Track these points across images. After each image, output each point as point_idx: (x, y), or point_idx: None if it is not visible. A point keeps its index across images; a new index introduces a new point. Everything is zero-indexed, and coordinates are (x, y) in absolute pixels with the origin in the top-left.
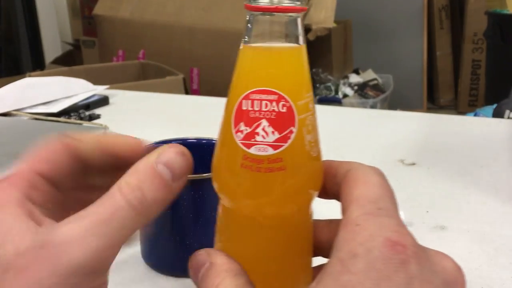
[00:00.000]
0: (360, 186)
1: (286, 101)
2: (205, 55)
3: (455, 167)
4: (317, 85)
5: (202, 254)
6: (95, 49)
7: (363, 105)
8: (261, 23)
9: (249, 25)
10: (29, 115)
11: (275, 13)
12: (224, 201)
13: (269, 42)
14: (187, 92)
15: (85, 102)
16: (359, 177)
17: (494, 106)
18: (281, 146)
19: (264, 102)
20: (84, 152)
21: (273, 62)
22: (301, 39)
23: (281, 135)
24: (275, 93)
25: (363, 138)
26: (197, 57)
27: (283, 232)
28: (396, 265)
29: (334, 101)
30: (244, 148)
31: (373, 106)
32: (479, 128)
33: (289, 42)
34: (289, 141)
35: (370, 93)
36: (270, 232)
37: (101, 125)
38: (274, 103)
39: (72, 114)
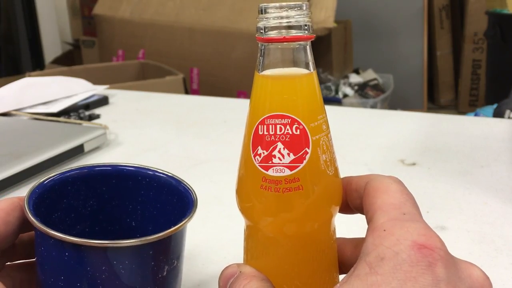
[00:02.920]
0: (381, 195)
1: (299, 124)
2: (205, 55)
3: (456, 167)
4: None
5: (232, 266)
6: (95, 49)
7: (363, 105)
8: (271, 52)
9: (260, 55)
10: (29, 115)
11: (284, 42)
12: (247, 221)
13: (281, 68)
14: (187, 92)
15: (85, 102)
16: (378, 187)
17: (495, 106)
18: (297, 166)
19: (278, 126)
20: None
21: (284, 89)
22: (311, 65)
23: (296, 156)
24: (288, 117)
25: (363, 138)
26: (197, 57)
27: (306, 248)
28: (423, 268)
29: (334, 101)
30: (263, 170)
31: (373, 106)
32: (480, 128)
33: (300, 67)
34: (305, 162)
35: (370, 93)
36: (293, 249)
37: (101, 125)
38: (288, 127)
39: (71, 114)
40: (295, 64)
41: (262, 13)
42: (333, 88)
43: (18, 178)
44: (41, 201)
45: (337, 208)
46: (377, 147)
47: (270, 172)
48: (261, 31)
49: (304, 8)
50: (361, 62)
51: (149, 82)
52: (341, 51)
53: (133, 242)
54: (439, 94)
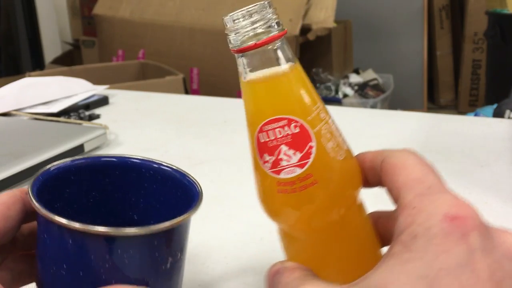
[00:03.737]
0: (401, 171)
1: (296, 121)
2: (205, 55)
3: (455, 167)
4: (317, 85)
5: (276, 264)
6: (95, 49)
7: (363, 105)
8: (249, 60)
9: (239, 65)
10: (29, 115)
11: (258, 48)
12: (278, 225)
13: (262, 70)
14: (187, 92)
15: (85, 102)
16: (396, 163)
17: (495, 106)
18: (306, 163)
19: (277, 130)
20: (29, 206)
21: (271, 91)
22: (291, 58)
23: (303, 153)
24: (283, 119)
25: (363, 138)
26: (197, 57)
27: (340, 235)
28: (456, 238)
29: (334, 101)
30: (275, 176)
31: (373, 106)
32: (480, 128)
33: (281, 64)
34: (312, 156)
35: (370, 93)
36: (328, 239)
37: (101, 125)
38: (286, 128)
39: (72, 114)
40: (275, 63)
41: (228, 25)
42: (333, 88)
43: (18, 178)
44: (44, 189)
45: (359, 189)
46: (376, 147)
47: (282, 176)
48: (232, 43)
49: (268, 6)
50: (361, 62)
51: (149, 82)
52: (341, 51)
53: (138, 230)
54: (439, 94)
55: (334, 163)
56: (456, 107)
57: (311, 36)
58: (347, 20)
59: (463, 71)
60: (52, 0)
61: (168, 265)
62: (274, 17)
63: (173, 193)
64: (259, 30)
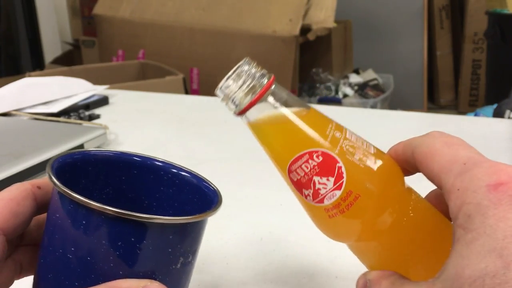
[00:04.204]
0: (434, 158)
1: (316, 151)
2: (205, 55)
3: None
4: (317, 85)
5: (360, 278)
6: (95, 49)
7: (363, 105)
8: (252, 115)
9: (245, 119)
10: (29, 115)
11: (256, 104)
12: (347, 243)
13: (267, 117)
14: (187, 92)
15: (85, 102)
16: (426, 152)
17: (495, 106)
18: (342, 183)
19: (303, 166)
20: (40, 201)
21: (282, 133)
22: (286, 97)
23: (335, 176)
24: (304, 154)
25: None
26: (197, 57)
27: (404, 231)
28: (508, 203)
29: (334, 101)
30: (320, 205)
31: (373, 106)
32: (479, 128)
33: (281, 106)
34: (344, 175)
35: (370, 93)
36: (395, 239)
37: (101, 125)
38: (310, 161)
39: (72, 114)
40: (276, 107)
41: (221, 96)
42: (333, 88)
43: (18, 178)
44: (61, 173)
45: (402, 182)
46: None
47: (326, 202)
48: (232, 109)
49: (248, 63)
50: (361, 62)
51: (149, 82)
52: (341, 51)
53: (156, 219)
54: (439, 94)
55: (367, 171)
56: (456, 107)
57: (311, 36)
58: (347, 20)
59: (463, 71)
60: (52, 0)
61: (179, 265)
62: (259, 69)
63: (189, 199)
64: (251, 87)
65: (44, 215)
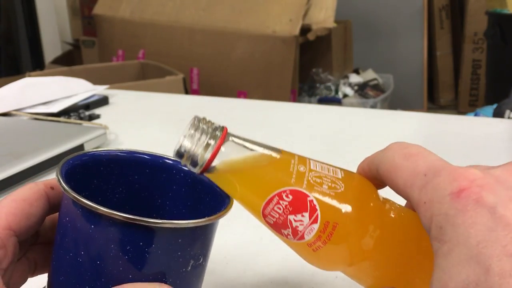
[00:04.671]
0: (396, 174)
1: (284, 191)
2: (205, 55)
3: None
4: (317, 85)
5: None
6: (95, 49)
7: (363, 105)
8: (213, 170)
9: (209, 171)
10: (29, 115)
11: (217, 154)
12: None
13: (229, 168)
14: (187, 92)
15: (85, 102)
16: (388, 169)
17: (494, 106)
18: (317, 215)
19: (276, 208)
20: (53, 201)
21: (247, 180)
22: (247, 144)
23: (309, 210)
24: (272, 197)
25: (363, 138)
26: (197, 57)
27: (394, 238)
28: (473, 208)
29: (334, 101)
30: (302, 241)
31: (373, 106)
32: (479, 128)
33: (241, 154)
34: (317, 207)
35: (370, 93)
36: (387, 250)
37: (101, 125)
38: (280, 201)
39: (72, 114)
40: (237, 155)
41: (181, 160)
42: (333, 88)
43: (18, 178)
44: (72, 175)
45: (377, 198)
46: (377, 147)
47: (307, 238)
48: (194, 169)
49: (197, 120)
50: (361, 62)
51: (149, 82)
52: (341, 51)
53: (164, 223)
54: (439, 94)
55: (339, 197)
56: (456, 107)
57: (311, 36)
58: (347, 20)
59: (463, 71)
60: (52, 0)
61: (189, 268)
62: (210, 124)
63: (201, 198)
64: (206, 144)
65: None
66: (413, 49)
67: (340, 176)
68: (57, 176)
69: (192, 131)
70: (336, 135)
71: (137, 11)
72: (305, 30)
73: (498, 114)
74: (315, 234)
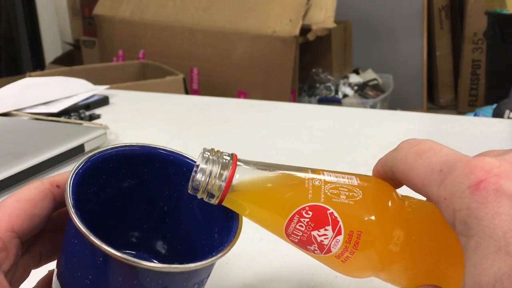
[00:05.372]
0: (412, 174)
1: (303, 208)
2: (205, 55)
3: None
4: (317, 85)
5: None
6: (95, 49)
7: (363, 105)
8: (230, 196)
9: (229, 206)
10: (29, 115)
11: (230, 187)
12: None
13: (246, 192)
14: (187, 92)
15: (85, 102)
16: (403, 170)
17: (494, 106)
18: (340, 227)
19: (298, 226)
20: (59, 200)
21: (264, 204)
22: (254, 169)
23: (331, 223)
24: (293, 215)
25: (363, 138)
26: (197, 57)
27: (423, 234)
28: (494, 199)
29: (334, 101)
30: (330, 254)
31: (373, 106)
32: (479, 128)
33: (255, 179)
34: (339, 218)
35: (370, 93)
36: (418, 247)
37: (101, 125)
38: (301, 219)
39: (72, 114)
40: (251, 179)
41: (198, 194)
42: (333, 88)
43: (19, 178)
44: (80, 182)
45: (397, 198)
46: (377, 147)
47: (334, 250)
48: (212, 201)
49: (207, 152)
50: (361, 62)
51: (149, 82)
52: (341, 51)
53: (172, 268)
54: (439, 94)
55: (358, 205)
56: (455, 107)
57: (311, 36)
58: (347, 20)
59: (462, 71)
60: (53, 1)
61: None
62: (219, 154)
63: None
64: (219, 174)
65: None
66: (413, 49)
67: (356, 183)
68: (67, 202)
69: (203, 165)
70: (336, 135)
71: (137, 11)
72: (305, 30)
73: (498, 114)
74: (341, 246)
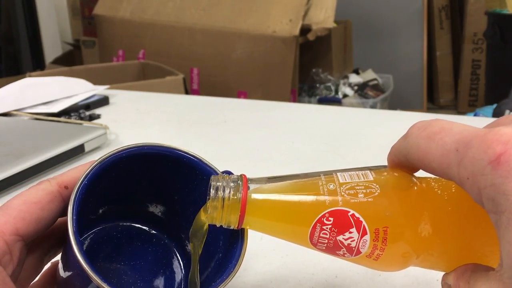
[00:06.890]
0: (428, 158)
1: (323, 215)
2: (205, 55)
3: None
4: (317, 85)
5: (443, 285)
6: (95, 49)
7: (363, 105)
8: (250, 219)
9: (248, 228)
10: (29, 115)
11: (245, 210)
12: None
13: (264, 205)
14: (187, 92)
15: (85, 102)
16: (418, 156)
17: (494, 106)
18: (364, 227)
19: (322, 234)
20: (67, 201)
21: (284, 219)
22: (266, 185)
23: (354, 225)
24: (315, 224)
25: (363, 138)
26: (197, 57)
27: (452, 214)
28: None
29: (334, 101)
30: (361, 255)
31: (373, 106)
32: None
33: (268, 196)
34: (361, 218)
35: (370, 93)
36: (447, 227)
37: (101, 125)
38: (324, 227)
39: (72, 114)
40: (264, 197)
41: (213, 220)
42: (333, 88)
43: (19, 178)
44: (89, 188)
45: (416, 183)
46: (377, 147)
47: (363, 250)
48: (230, 225)
49: (217, 179)
50: (361, 62)
51: (149, 82)
52: (341, 51)
53: None
54: (439, 94)
55: (378, 201)
56: (455, 107)
57: (311, 36)
58: (347, 20)
59: (462, 71)
60: (53, 0)
61: None
62: (227, 179)
63: None
64: (233, 198)
65: None
66: (413, 49)
67: (372, 178)
68: (69, 235)
69: (214, 192)
70: (336, 135)
71: (137, 11)
72: (305, 30)
73: (498, 114)
74: (369, 245)
